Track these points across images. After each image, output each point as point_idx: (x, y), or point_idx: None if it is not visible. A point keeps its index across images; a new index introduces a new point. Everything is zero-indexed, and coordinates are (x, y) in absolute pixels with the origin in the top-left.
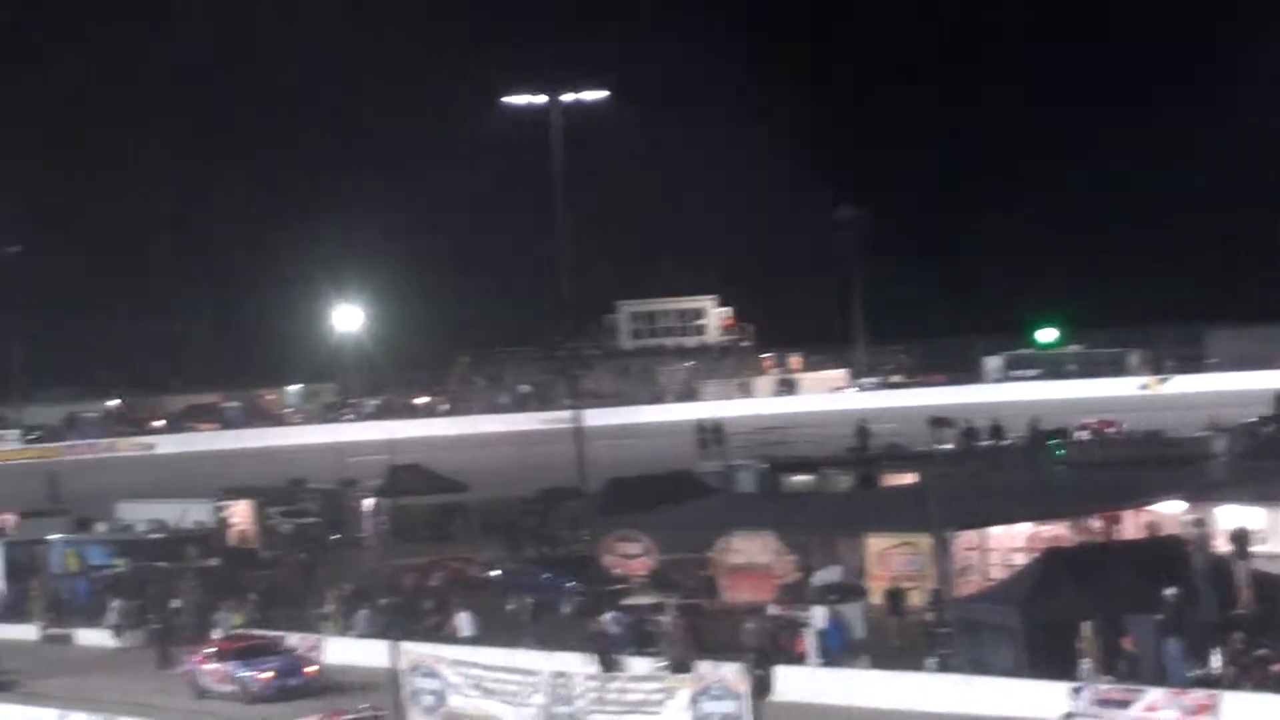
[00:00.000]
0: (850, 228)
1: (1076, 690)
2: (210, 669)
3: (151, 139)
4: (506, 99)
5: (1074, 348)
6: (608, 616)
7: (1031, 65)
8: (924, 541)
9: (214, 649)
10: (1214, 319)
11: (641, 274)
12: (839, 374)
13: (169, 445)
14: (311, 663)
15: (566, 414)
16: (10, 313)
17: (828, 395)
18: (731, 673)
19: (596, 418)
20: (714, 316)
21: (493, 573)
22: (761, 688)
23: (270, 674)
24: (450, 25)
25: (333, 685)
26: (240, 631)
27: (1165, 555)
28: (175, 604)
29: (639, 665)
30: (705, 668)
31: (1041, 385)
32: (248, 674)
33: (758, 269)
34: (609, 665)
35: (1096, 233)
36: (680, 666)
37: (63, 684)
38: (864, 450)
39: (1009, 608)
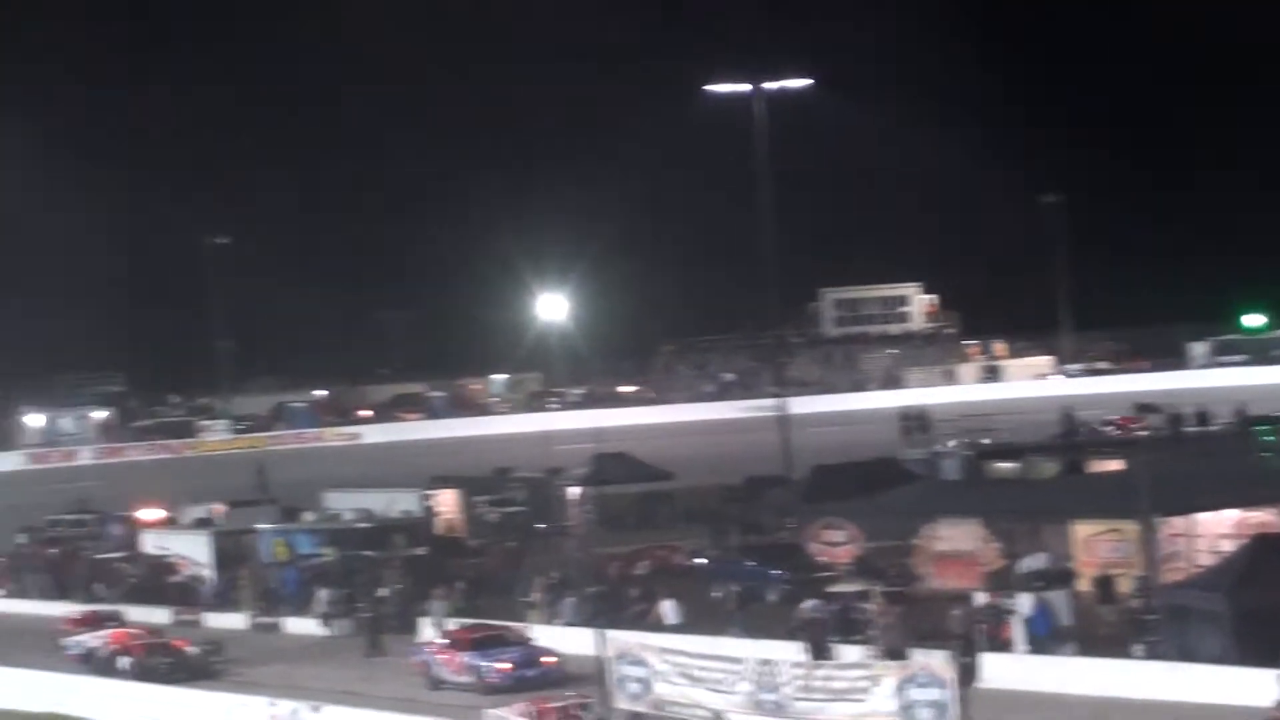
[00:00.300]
0: (1055, 213)
1: None
2: (446, 659)
3: (360, 132)
4: (710, 88)
5: None
6: (809, 604)
7: (1243, 47)
8: (1131, 528)
9: (448, 639)
10: None
11: (845, 261)
12: (1044, 360)
13: (375, 435)
14: (550, 654)
15: (770, 402)
16: (219, 304)
17: (1032, 382)
18: (937, 660)
19: (800, 405)
20: (918, 303)
21: (697, 561)
22: (967, 675)
23: (509, 665)
24: (655, 15)
25: (571, 676)
26: (476, 621)
27: None
28: (383, 593)
29: (846, 653)
30: (911, 655)
31: (1248, 371)
32: (485, 664)
33: (962, 255)
34: (820, 652)
35: None
36: (895, 654)
37: (272, 672)
38: (1071, 437)
39: (1216, 595)
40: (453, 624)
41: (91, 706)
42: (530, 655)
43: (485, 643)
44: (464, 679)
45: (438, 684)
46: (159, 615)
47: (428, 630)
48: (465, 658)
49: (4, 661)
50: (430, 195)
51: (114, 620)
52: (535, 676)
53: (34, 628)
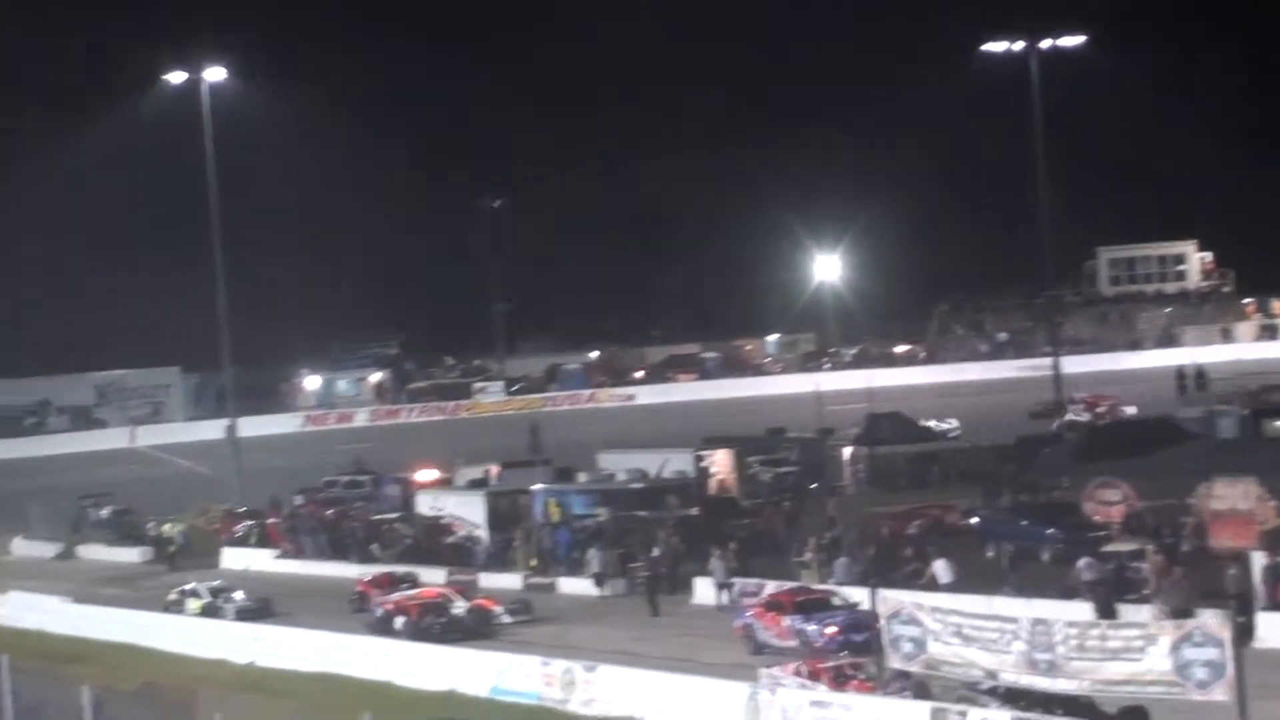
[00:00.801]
0: None
1: None
2: (769, 623)
3: (633, 91)
4: (986, 47)
5: None
6: (1083, 563)
7: None
8: None
9: (768, 602)
10: None
11: (1121, 219)
12: None
13: (648, 396)
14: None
15: (1045, 361)
16: (495, 267)
17: None
18: (1214, 619)
19: (1075, 365)
20: (1194, 261)
21: (970, 520)
22: (1244, 634)
23: (834, 629)
24: None
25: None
26: (796, 585)
27: None
28: (656, 553)
29: (1129, 613)
30: (1193, 615)
31: None
32: (812, 628)
33: (1240, 212)
34: (1106, 612)
35: None
36: (1179, 614)
37: (546, 632)
38: None
39: None
40: (771, 588)
41: (366, 666)
42: (857, 620)
43: (808, 606)
44: (789, 643)
45: (760, 648)
46: (434, 577)
47: (708, 591)
48: (789, 622)
49: (289, 622)
50: (706, 156)
51: (408, 582)
52: (862, 642)
53: (314, 589)
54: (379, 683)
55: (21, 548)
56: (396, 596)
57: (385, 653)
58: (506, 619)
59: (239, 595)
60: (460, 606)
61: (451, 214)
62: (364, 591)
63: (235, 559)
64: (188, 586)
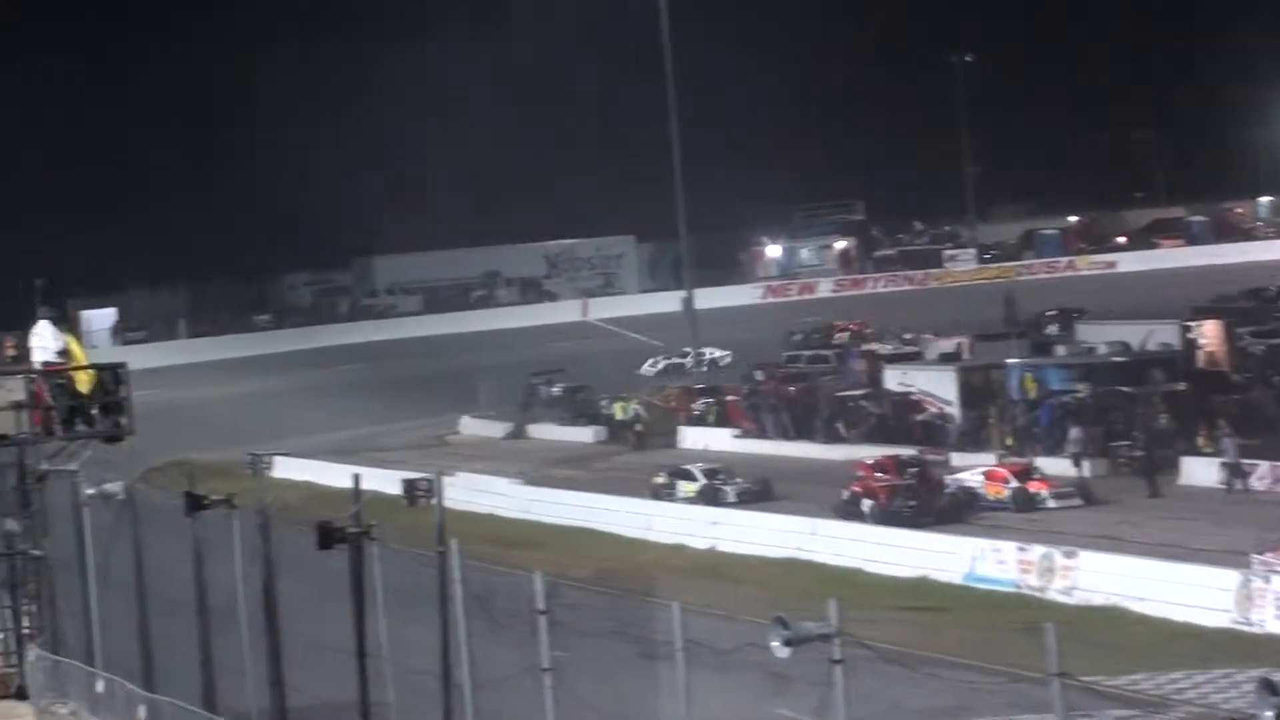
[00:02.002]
0: None
1: None
2: None
3: None
4: None
5: None
6: None
7: None
8: None
9: None
10: None
11: None
12: None
13: (1130, 263)
14: None
15: None
16: (965, 126)
17: None
18: None
19: None
20: None
21: None
22: None
23: None
24: None
25: None
26: None
27: None
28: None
29: None
30: None
31: None
32: None
33: None
34: None
35: None
36: None
37: (1025, 516)
38: None
39: None
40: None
41: (832, 551)
42: None
43: None
44: None
45: None
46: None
47: (1199, 471)
48: None
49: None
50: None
51: (915, 465)
52: None
53: (793, 471)
54: (846, 569)
55: (470, 427)
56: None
57: (852, 537)
58: (1052, 504)
59: (738, 478)
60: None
61: (921, 70)
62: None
63: (693, 438)
64: (681, 468)
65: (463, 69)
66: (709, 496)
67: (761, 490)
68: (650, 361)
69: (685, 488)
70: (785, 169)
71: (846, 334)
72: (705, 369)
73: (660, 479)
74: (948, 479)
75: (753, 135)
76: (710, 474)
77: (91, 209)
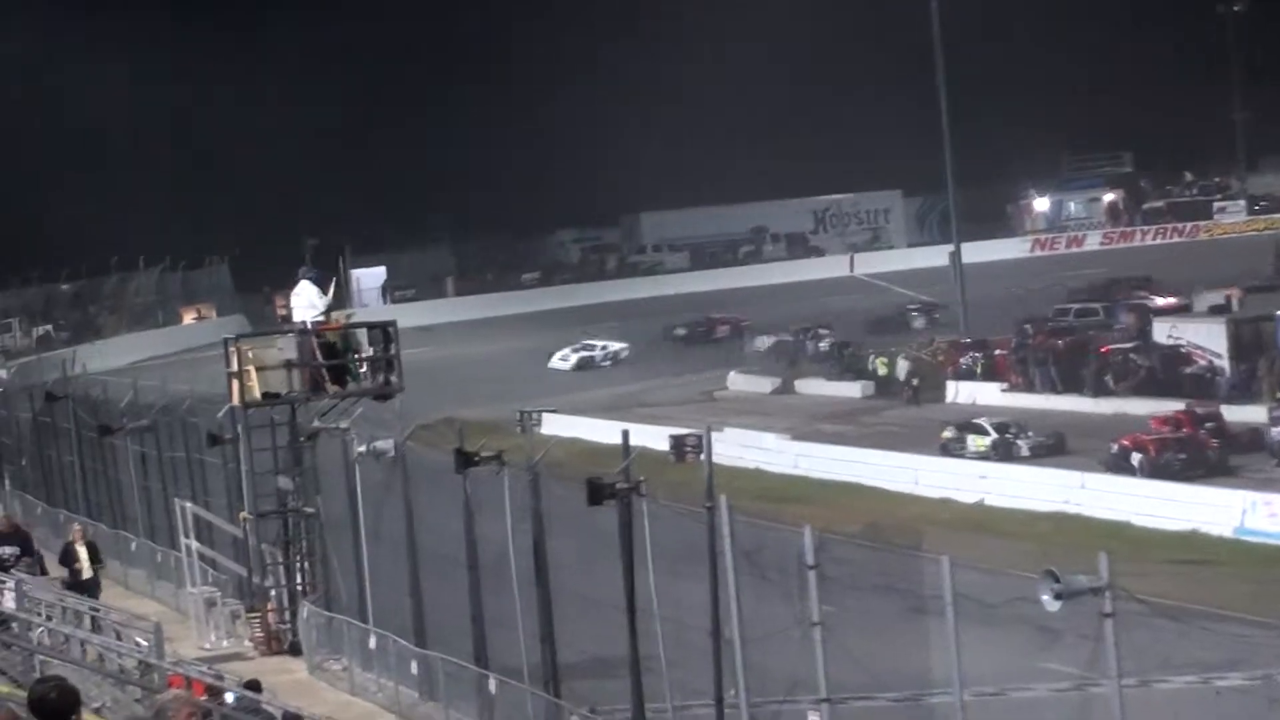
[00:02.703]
0: None
1: None
2: None
3: None
4: None
5: None
6: None
7: None
8: None
9: None
10: None
11: None
12: None
13: None
14: None
15: None
16: (1236, 73)
17: None
18: None
19: None
20: None
21: None
22: None
23: None
24: None
25: None
26: None
27: None
28: None
29: None
30: None
31: None
32: None
33: None
34: None
35: None
36: None
37: None
38: None
39: None
40: None
41: (1101, 505)
42: None
43: None
44: None
45: None
46: (1171, 409)
47: None
48: None
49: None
50: None
51: (1213, 419)
52: None
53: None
54: (1115, 522)
55: (738, 382)
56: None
57: (1123, 491)
58: None
59: (1029, 431)
60: None
61: (1190, 18)
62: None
63: (961, 392)
64: (971, 422)
65: (732, 25)
66: (1002, 451)
67: (1055, 444)
68: (559, 355)
69: (976, 442)
70: (1053, 121)
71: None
72: (609, 364)
73: (949, 433)
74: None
75: (1020, 87)
76: (1001, 428)
77: (363, 169)
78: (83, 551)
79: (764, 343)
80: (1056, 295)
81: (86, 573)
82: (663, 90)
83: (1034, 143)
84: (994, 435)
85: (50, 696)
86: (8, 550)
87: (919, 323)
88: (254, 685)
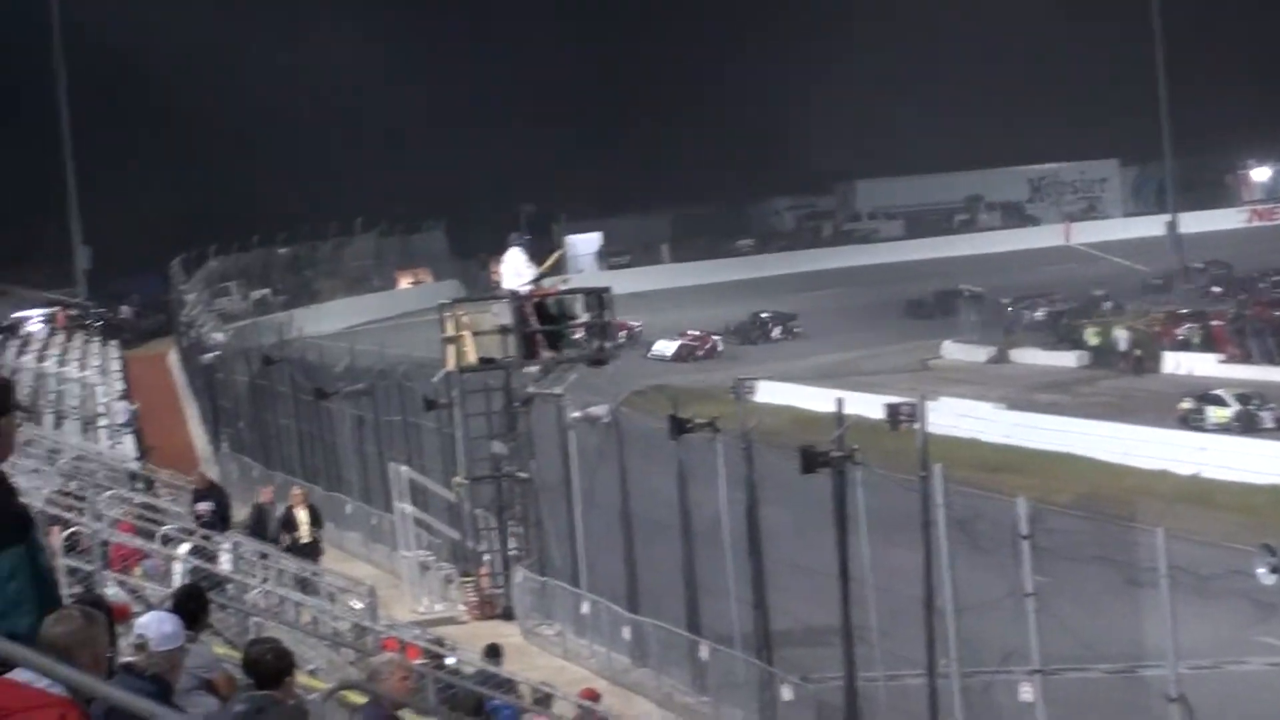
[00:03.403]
0: None
1: None
2: None
3: None
4: None
5: None
6: None
7: None
8: None
9: None
10: None
11: None
12: None
13: None
14: None
15: None
16: None
17: None
18: None
19: None
20: None
21: None
22: None
23: None
24: None
25: None
26: None
27: None
28: None
29: None
30: None
31: None
32: None
33: None
34: None
35: None
36: None
37: None
38: None
39: None
40: None
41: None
42: None
43: None
44: None
45: None
46: None
47: None
48: None
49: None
50: None
51: None
52: None
53: None
54: None
55: (952, 351)
56: None
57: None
58: None
59: (1271, 403)
60: None
61: None
62: None
63: (1178, 363)
64: (1210, 394)
65: None
66: (1245, 422)
67: None
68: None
69: (1216, 414)
70: (1274, 89)
71: None
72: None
73: (1188, 404)
74: None
75: (1239, 53)
76: (1243, 399)
77: (580, 136)
78: (303, 515)
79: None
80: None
81: (307, 537)
82: (879, 58)
83: (1254, 112)
84: (1236, 406)
85: (266, 658)
86: (204, 507)
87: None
88: (494, 650)
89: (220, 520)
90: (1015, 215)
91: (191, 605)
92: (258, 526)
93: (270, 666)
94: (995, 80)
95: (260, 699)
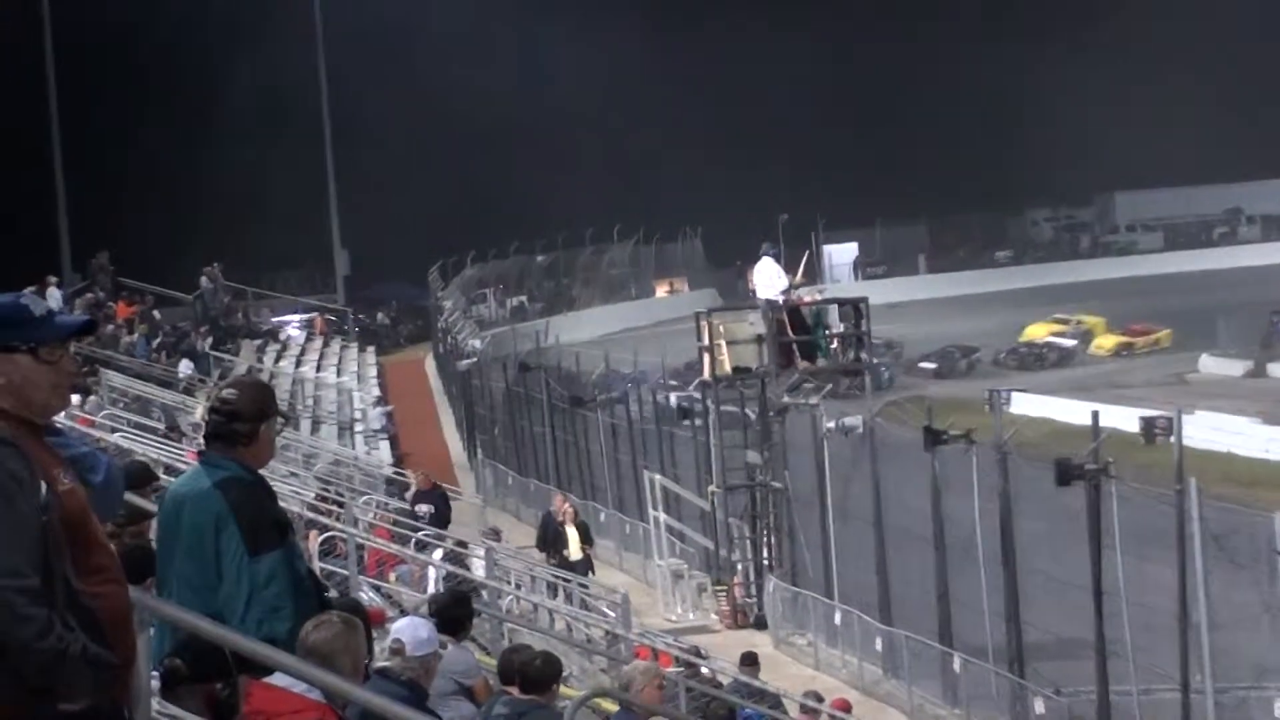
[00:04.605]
0: None
1: None
2: None
3: None
4: None
5: None
6: None
7: None
8: None
9: None
10: None
11: None
12: None
13: None
14: None
15: None
16: None
17: None
18: None
19: None
20: None
21: None
22: None
23: None
24: None
25: None
26: None
27: None
28: None
29: None
30: None
31: None
32: None
33: None
34: None
35: None
36: None
37: None
38: None
39: None
40: None
41: None
42: None
43: None
44: None
45: None
46: None
47: None
48: None
49: None
50: None
51: None
52: None
53: None
54: None
55: (1209, 364)
56: None
57: None
58: None
59: None
60: None
61: None
62: None
63: None
64: None
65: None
66: None
67: None
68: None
69: None
70: None
71: None
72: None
73: None
74: None
75: None
76: None
77: (837, 146)
78: (572, 533)
79: None
80: None
81: (576, 554)
82: (1137, 66)
83: None
84: None
85: (535, 664)
86: (424, 508)
87: None
88: (750, 659)
89: (439, 523)
90: (1276, 228)
91: (457, 611)
92: (546, 533)
93: (539, 673)
94: (1257, 91)
95: (523, 704)
